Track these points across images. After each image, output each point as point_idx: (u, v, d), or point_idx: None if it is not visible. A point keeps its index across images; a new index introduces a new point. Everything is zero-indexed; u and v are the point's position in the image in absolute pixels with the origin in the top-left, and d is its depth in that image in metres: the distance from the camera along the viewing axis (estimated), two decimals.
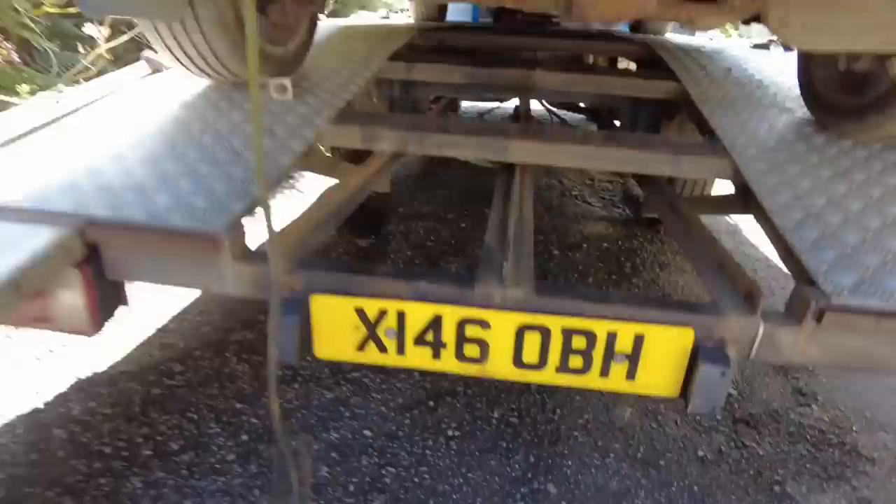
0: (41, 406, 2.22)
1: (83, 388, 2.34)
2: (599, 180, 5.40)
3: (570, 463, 2.12)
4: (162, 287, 2.80)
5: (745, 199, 2.08)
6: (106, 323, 1.51)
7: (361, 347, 1.45)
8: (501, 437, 2.21)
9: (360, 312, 1.40)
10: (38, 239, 1.26)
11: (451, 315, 1.38)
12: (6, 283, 1.12)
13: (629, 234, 4.16)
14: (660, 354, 1.37)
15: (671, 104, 2.75)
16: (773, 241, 1.82)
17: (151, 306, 2.96)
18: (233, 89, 2.11)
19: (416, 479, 1.99)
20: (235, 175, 1.60)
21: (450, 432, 2.21)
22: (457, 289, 1.39)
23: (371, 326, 1.41)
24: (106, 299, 1.50)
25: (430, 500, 1.92)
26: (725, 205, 2.38)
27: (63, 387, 2.33)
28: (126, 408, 2.22)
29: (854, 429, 2.44)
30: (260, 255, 1.45)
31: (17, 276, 1.15)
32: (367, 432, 2.17)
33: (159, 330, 2.77)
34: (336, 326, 1.43)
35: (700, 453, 2.22)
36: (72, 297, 1.43)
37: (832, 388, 2.70)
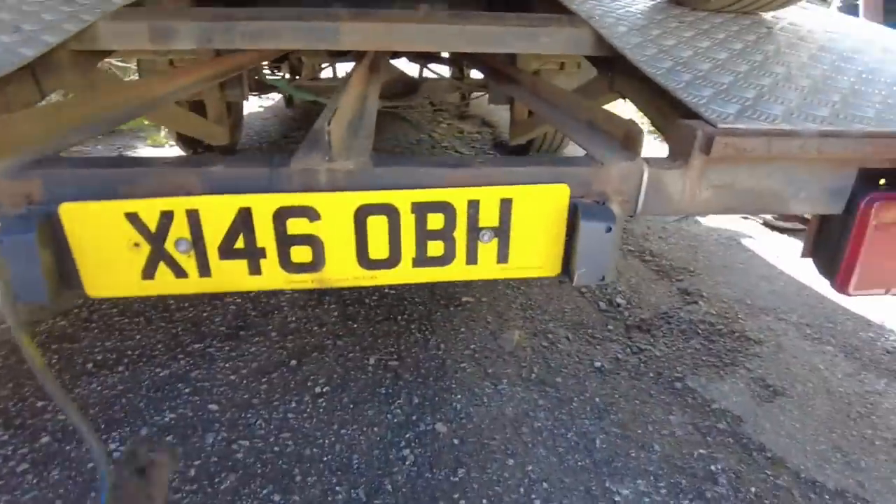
0: None
1: None
2: (468, 132, 5.23)
3: (458, 397, 1.85)
4: None
5: (608, 79, 1.90)
6: None
7: (149, 274, 1.05)
8: (379, 384, 1.90)
9: (134, 219, 1.00)
10: None
11: (262, 206, 1.03)
12: None
13: None
14: (532, 223, 1.11)
15: None
16: (641, 105, 1.65)
17: None
18: None
19: (275, 449, 1.62)
20: None
21: (317, 389, 1.86)
22: (265, 170, 1.04)
23: (155, 239, 1.02)
24: None
25: (296, 467, 1.56)
26: (591, 92, 2.20)
27: None
28: None
29: (739, 317, 2.39)
30: None
31: None
32: (212, 406, 1.77)
33: None
34: (106, 247, 1.02)
35: (597, 364, 2.05)
36: None
37: (714, 284, 2.65)
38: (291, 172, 1.04)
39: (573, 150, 4.57)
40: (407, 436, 1.69)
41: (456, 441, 1.68)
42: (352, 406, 1.80)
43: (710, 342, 2.21)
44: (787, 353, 2.15)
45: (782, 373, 2.04)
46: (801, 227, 2.80)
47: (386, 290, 2.48)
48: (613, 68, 1.85)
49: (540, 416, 1.79)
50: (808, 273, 2.73)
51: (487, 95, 3.67)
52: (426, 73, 3.99)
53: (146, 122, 4.99)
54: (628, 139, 1.17)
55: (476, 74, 4.15)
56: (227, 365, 1.96)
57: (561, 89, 1.69)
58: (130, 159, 1.01)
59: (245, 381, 1.89)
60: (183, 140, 3.77)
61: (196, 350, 2.04)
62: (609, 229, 1.08)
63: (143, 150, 4.60)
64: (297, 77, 3.88)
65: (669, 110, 1.43)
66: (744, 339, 2.23)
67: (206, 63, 1.99)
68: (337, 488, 1.51)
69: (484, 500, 1.49)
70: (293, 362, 1.99)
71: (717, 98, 1.22)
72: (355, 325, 2.22)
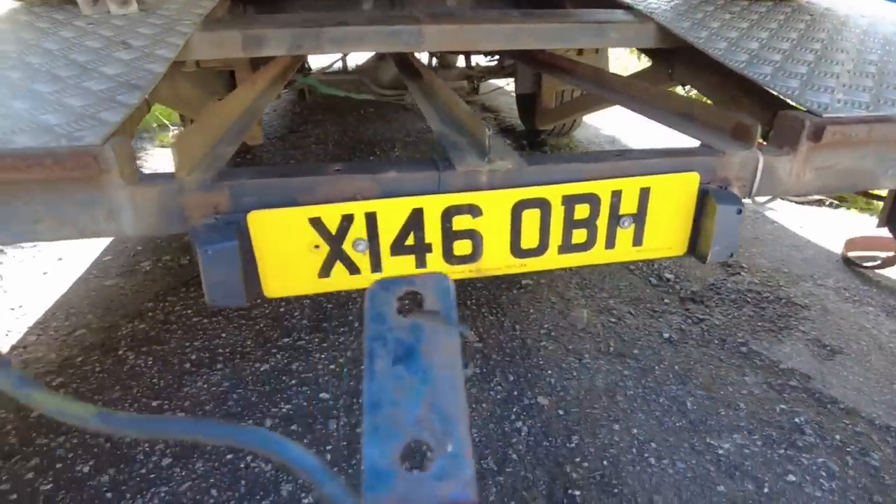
0: None
1: None
2: None
3: (549, 373, 1.97)
4: (5, 293, 2.20)
5: (669, 67, 2.03)
6: None
7: (325, 273, 1.15)
8: (473, 364, 2.01)
9: (317, 223, 1.09)
10: None
11: (433, 206, 1.13)
12: None
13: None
14: (666, 208, 1.24)
15: None
16: (706, 92, 1.78)
17: None
18: (50, 9, 1.64)
19: None
20: (93, 88, 1.18)
21: None
22: (434, 173, 1.14)
23: (334, 240, 1.11)
24: None
25: None
26: (648, 81, 2.33)
27: None
28: None
29: (781, 284, 2.56)
30: (158, 176, 1.08)
31: None
32: (323, 395, 1.86)
33: (14, 347, 2.19)
34: (287, 250, 1.11)
35: (666, 335, 2.19)
36: None
37: (750, 255, 2.82)
38: (456, 175, 1.14)
39: (582, 133, 4.71)
40: (514, 409, 1.81)
41: (560, 412, 1.80)
42: None
43: (760, 309, 2.37)
44: (834, 315, 2.33)
45: (834, 333, 2.21)
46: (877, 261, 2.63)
47: None
48: (673, 59, 1.99)
49: (629, 384, 1.93)
50: (832, 242, 2.92)
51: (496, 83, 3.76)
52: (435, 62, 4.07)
53: (154, 125, 4.96)
54: (740, 130, 1.30)
55: (479, 61, 4.24)
56: (322, 356, 2.05)
57: (640, 82, 1.81)
58: (304, 168, 1.10)
59: (345, 370, 1.97)
60: None
61: (286, 344, 2.12)
62: (739, 211, 1.21)
63: (153, 150, 4.58)
64: (309, 71, 3.91)
65: (743, 98, 1.58)
66: (791, 305, 2.40)
67: (269, 68, 2.05)
68: None
69: (604, 462, 1.62)
70: None
71: (805, 89, 1.35)
72: None
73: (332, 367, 1.99)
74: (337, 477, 0.33)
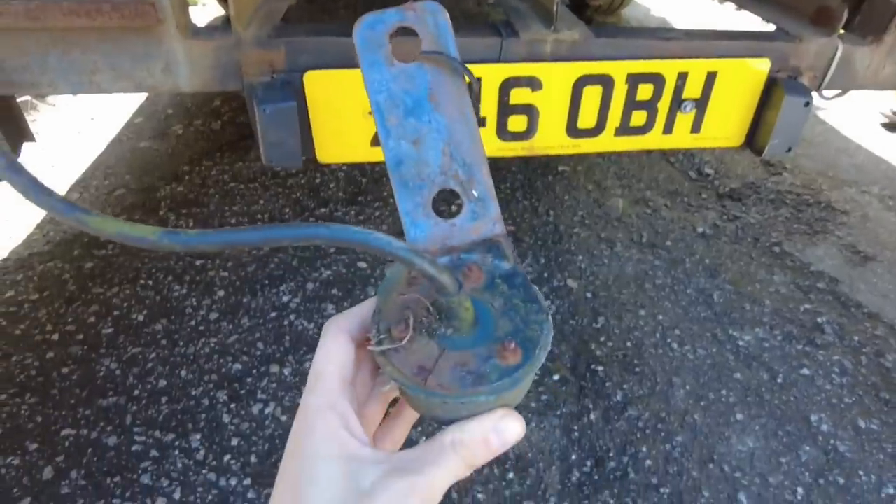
0: None
1: None
2: None
3: (580, 258, 2.01)
4: (44, 150, 2.21)
5: None
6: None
7: (377, 141, 1.13)
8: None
9: None
10: None
11: (492, 76, 1.09)
12: None
13: None
14: (731, 95, 1.19)
15: None
16: None
17: (38, 178, 2.40)
18: None
19: None
20: None
21: None
22: (496, 41, 1.09)
23: None
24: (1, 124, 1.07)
25: None
26: None
27: None
28: (59, 290, 1.80)
29: (823, 188, 2.51)
30: (214, 29, 1.05)
31: None
32: (361, 264, 1.92)
33: None
34: (342, 114, 1.09)
35: (700, 230, 2.20)
36: None
37: (795, 156, 2.75)
38: (520, 43, 1.09)
39: (631, 12, 4.43)
40: (544, 290, 1.87)
41: (588, 295, 1.86)
42: None
43: (798, 211, 2.35)
44: (874, 222, 2.31)
45: (871, 240, 2.20)
46: None
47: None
48: None
49: (658, 274, 1.97)
50: (884, 148, 2.82)
51: None
52: None
53: None
54: (822, 15, 1.21)
55: None
56: (359, 227, 2.09)
57: None
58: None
59: None
60: None
61: (323, 214, 2.16)
62: (807, 104, 1.16)
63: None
64: None
65: None
66: (830, 209, 2.37)
67: None
68: None
69: (627, 343, 1.70)
70: None
71: None
72: None
73: None
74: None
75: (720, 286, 1.93)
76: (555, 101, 1.14)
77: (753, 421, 1.50)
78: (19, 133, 1.22)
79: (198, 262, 1.92)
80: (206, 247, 0.31)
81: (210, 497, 1.27)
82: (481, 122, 1.15)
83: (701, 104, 1.19)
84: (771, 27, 1.26)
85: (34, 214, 2.17)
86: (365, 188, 2.32)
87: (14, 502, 1.24)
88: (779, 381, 1.61)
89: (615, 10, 4.02)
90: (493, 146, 1.19)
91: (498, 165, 2.53)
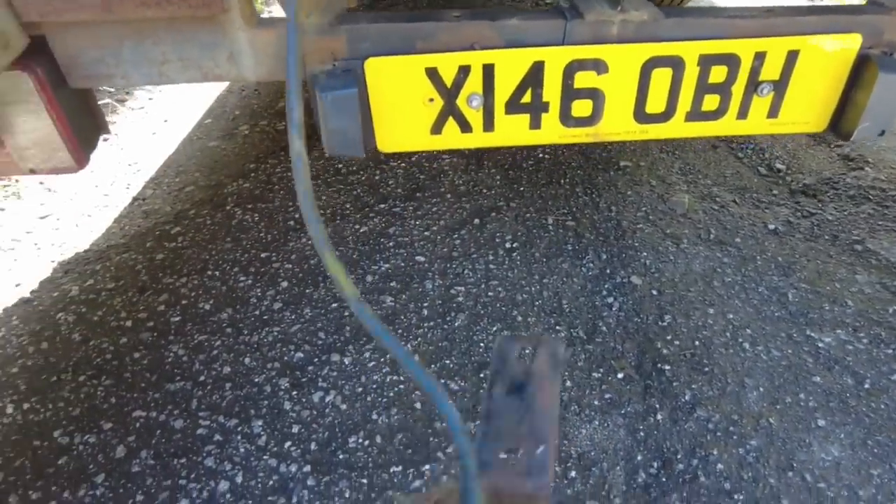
0: (28, 295, 1.86)
1: (70, 268, 1.98)
2: None
3: (644, 254, 1.94)
4: (121, 150, 2.31)
5: None
6: (91, 154, 1.14)
7: (437, 129, 1.12)
8: (564, 242, 2.00)
9: (433, 74, 1.05)
10: None
11: (555, 60, 1.05)
12: None
13: None
14: (814, 75, 1.11)
15: None
16: None
17: (113, 178, 2.53)
18: None
19: (490, 294, 1.78)
20: None
21: (507, 245, 1.99)
22: (560, 22, 1.05)
23: (449, 94, 1.07)
24: (79, 117, 1.11)
25: (514, 310, 1.72)
26: None
27: (46, 272, 1.97)
28: (132, 279, 1.89)
29: None
30: (278, 20, 1.06)
31: None
32: (419, 258, 1.92)
33: (135, 199, 2.37)
34: (402, 102, 1.08)
35: (771, 227, 2.08)
36: (31, 120, 1.05)
37: (877, 150, 2.57)
38: (584, 25, 1.05)
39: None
40: (606, 286, 1.81)
41: (654, 292, 1.79)
42: (545, 260, 1.92)
43: (883, 207, 2.19)
44: None
45: None
46: None
47: (541, 155, 2.52)
48: None
49: (727, 272, 1.87)
50: None
51: None
52: None
53: None
54: None
55: None
56: (417, 223, 2.10)
57: None
58: (423, 14, 1.04)
59: (439, 237, 2.02)
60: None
61: (383, 209, 2.17)
62: None
63: None
64: None
65: None
66: None
67: None
68: (557, 327, 1.66)
69: (696, 342, 1.62)
70: (476, 221, 2.10)
71: None
72: (521, 189, 2.30)
73: (426, 233, 2.04)
74: (470, 442, 0.44)
75: (795, 285, 1.82)
76: (622, 84, 1.10)
77: (838, 428, 1.40)
78: (97, 126, 1.27)
79: (263, 255, 1.96)
80: (371, 331, 0.46)
81: (271, 482, 1.29)
82: (544, 106, 1.12)
83: (780, 86, 1.12)
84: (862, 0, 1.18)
85: (113, 209, 2.29)
86: (423, 184, 2.32)
87: (90, 477, 1.30)
88: (866, 386, 1.50)
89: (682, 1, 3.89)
90: (556, 133, 1.16)
91: (557, 159, 2.49)
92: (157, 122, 3.03)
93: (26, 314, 1.78)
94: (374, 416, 1.41)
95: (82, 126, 1.13)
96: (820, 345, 1.62)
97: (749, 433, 1.39)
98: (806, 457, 1.34)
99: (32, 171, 1.12)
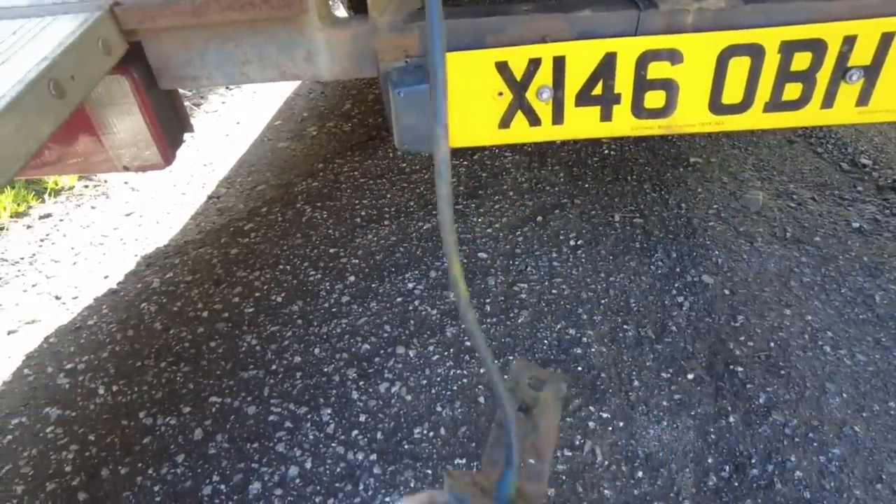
0: (116, 286, 1.99)
1: (152, 262, 2.09)
2: None
3: (716, 253, 1.88)
4: (197, 151, 2.42)
5: None
6: (177, 151, 1.21)
7: (506, 123, 1.12)
8: (631, 239, 1.96)
9: (503, 68, 1.05)
10: (60, 30, 0.91)
11: (628, 50, 1.03)
12: (39, 78, 0.79)
13: None
14: None
15: None
16: None
17: (190, 177, 2.66)
18: None
19: (553, 291, 1.76)
20: None
21: (571, 242, 1.96)
22: (633, 13, 1.03)
23: (519, 87, 1.07)
24: (167, 117, 1.18)
25: (578, 308, 1.70)
26: None
27: (131, 265, 2.10)
28: (208, 272, 1.98)
29: None
30: (352, 19, 1.09)
31: (50, 70, 0.81)
32: (481, 255, 1.93)
33: (210, 197, 2.48)
34: (472, 96, 1.09)
35: (855, 225, 1.97)
36: (126, 119, 1.12)
37: None
38: (658, 14, 1.03)
39: None
40: (676, 285, 1.76)
41: (726, 291, 1.73)
42: (611, 258, 1.89)
43: None
44: None
45: None
46: None
47: (606, 151, 2.47)
48: None
49: (806, 272, 1.78)
50: None
51: None
52: None
53: None
54: None
55: None
56: (479, 220, 2.10)
57: None
58: (494, 8, 1.05)
59: (502, 234, 2.02)
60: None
61: None
62: None
63: None
64: None
65: None
66: None
67: None
68: (624, 326, 1.63)
69: (771, 343, 1.55)
70: (539, 218, 2.09)
71: None
72: (586, 185, 2.27)
73: (488, 230, 2.05)
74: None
75: (883, 286, 1.71)
76: (696, 74, 1.07)
77: None
78: (182, 125, 1.34)
79: (331, 250, 2.02)
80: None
81: (338, 469, 1.33)
82: (616, 98, 1.10)
83: (871, 72, 1.05)
84: None
85: (190, 207, 2.41)
86: (485, 182, 2.32)
87: (171, 457, 1.37)
88: None
89: None
90: (628, 125, 1.14)
91: (623, 156, 2.44)
92: (230, 124, 3.17)
93: (114, 304, 1.90)
94: (439, 408, 1.43)
95: (170, 125, 1.20)
96: None
97: (831, 441, 1.32)
98: None
99: (126, 169, 1.19)
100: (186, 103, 3.23)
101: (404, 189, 2.33)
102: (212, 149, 2.90)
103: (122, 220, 2.42)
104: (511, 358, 1.56)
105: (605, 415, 1.40)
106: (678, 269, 1.82)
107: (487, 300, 1.74)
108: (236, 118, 3.23)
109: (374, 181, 2.41)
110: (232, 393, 1.52)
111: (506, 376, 0.56)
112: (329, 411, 1.45)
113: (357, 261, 1.94)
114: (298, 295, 1.82)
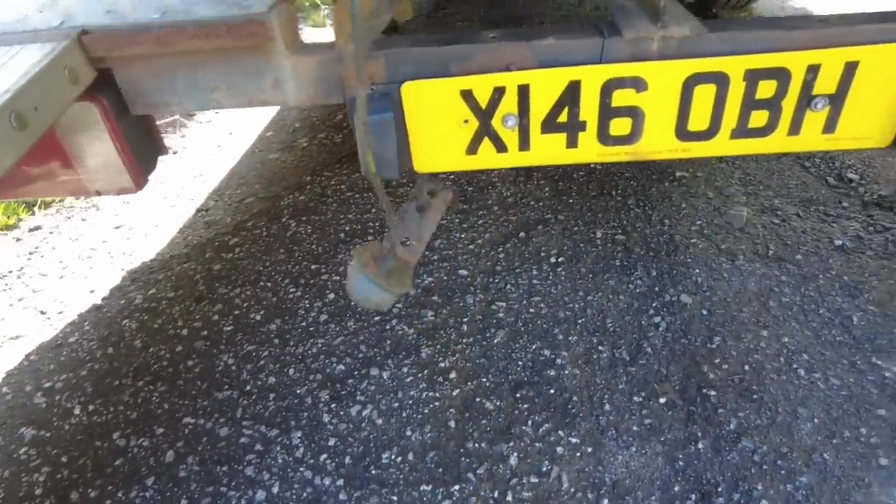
0: (100, 302, 2.00)
1: (137, 277, 2.11)
2: None
3: (696, 271, 1.87)
4: (189, 162, 2.44)
5: None
6: (150, 176, 1.22)
7: (473, 149, 1.13)
8: (612, 257, 1.95)
9: (468, 96, 1.05)
10: (27, 60, 0.92)
11: (592, 78, 1.03)
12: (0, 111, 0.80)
13: None
14: (876, 87, 1.04)
15: None
16: None
17: (181, 189, 2.67)
18: None
19: (531, 310, 1.76)
20: None
21: (552, 259, 1.96)
22: (597, 41, 1.04)
23: (484, 115, 1.08)
24: (139, 142, 1.19)
25: (555, 328, 1.70)
26: None
27: (116, 280, 2.11)
28: (190, 289, 1.99)
29: None
30: (321, 45, 1.10)
31: (12, 102, 0.82)
32: (462, 272, 1.93)
33: (199, 210, 2.50)
34: (438, 124, 1.10)
35: (837, 242, 1.96)
36: (97, 145, 1.13)
37: None
38: (623, 42, 1.03)
39: (765, 4, 4.07)
40: (654, 305, 1.76)
41: (704, 312, 1.72)
42: (591, 276, 1.88)
43: None
44: None
45: None
46: None
47: (592, 165, 2.47)
48: None
49: (785, 291, 1.77)
50: None
51: None
52: None
53: (307, 3, 5.06)
54: None
55: None
56: (462, 235, 2.10)
57: None
58: (460, 36, 1.05)
59: (483, 251, 2.02)
60: None
61: None
62: None
63: (306, 30, 4.72)
64: None
65: None
66: None
67: None
68: (599, 347, 1.63)
69: (746, 366, 1.55)
70: (522, 234, 2.09)
71: None
72: (571, 201, 2.26)
73: (471, 246, 2.05)
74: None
75: (862, 307, 1.70)
76: (662, 102, 1.07)
77: None
78: (156, 148, 1.35)
79: (313, 266, 2.03)
80: None
81: (305, 494, 1.33)
82: (581, 125, 1.11)
83: (836, 100, 1.05)
84: None
85: (178, 220, 2.42)
86: (470, 197, 2.32)
87: (141, 479, 1.38)
88: None
89: (746, 4, 3.72)
90: (594, 151, 1.14)
91: (609, 170, 2.43)
92: (222, 135, 3.18)
93: (97, 320, 1.91)
94: (409, 433, 1.43)
95: (142, 151, 1.21)
96: (887, 374, 1.50)
97: (800, 468, 1.31)
98: (864, 499, 1.25)
99: (98, 193, 1.20)
100: (178, 115, 3.25)
101: (391, 203, 2.33)
102: (204, 160, 2.92)
103: (112, 233, 2.44)
104: (484, 380, 1.56)
105: (573, 440, 1.40)
106: (657, 288, 1.81)
107: (465, 319, 1.75)
108: (229, 128, 3.25)
109: (361, 195, 2.42)
110: (206, 414, 1.53)
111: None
112: (299, 434, 1.45)
113: (338, 277, 1.95)
114: (277, 313, 1.83)
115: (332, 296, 1.87)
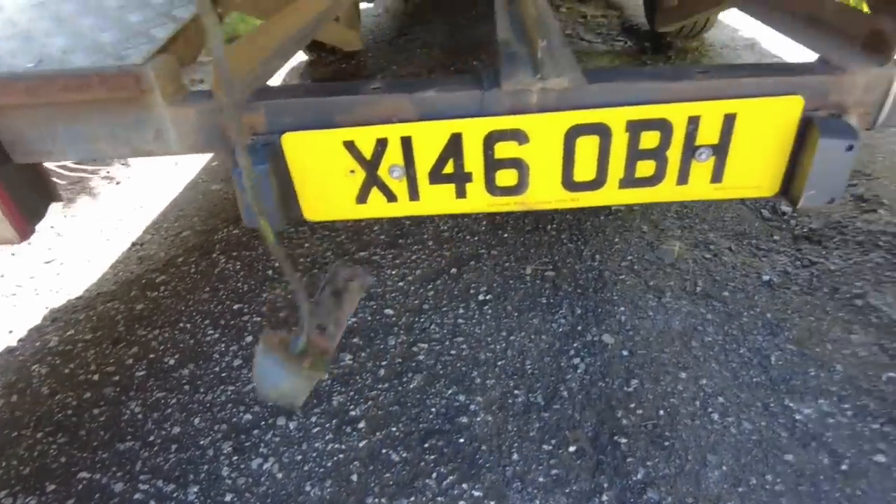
0: (15, 344, 1.94)
1: (58, 317, 2.05)
2: (592, 16, 4.83)
3: (621, 309, 1.85)
4: (130, 193, 2.41)
5: None
6: (37, 224, 1.18)
7: (363, 199, 1.11)
8: (539, 294, 1.93)
9: (351, 147, 1.04)
10: None
11: (473, 131, 1.03)
12: None
13: (639, 63, 3.70)
14: (757, 139, 1.04)
15: None
16: None
17: (118, 221, 2.62)
18: None
19: (452, 352, 1.73)
20: (155, 1, 1.19)
21: (481, 297, 1.94)
22: (477, 93, 1.03)
23: (370, 165, 1.06)
24: (23, 190, 1.15)
25: (474, 370, 1.67)
26: None
27: (37, 320, 2.04)
28: (109, 330, 1.93)
29: None
30: (200, 94, 1.08)
31: None
32: (388, 311, 1.90)
33: (134, 244, 2.44)
34: (324, 174, 1.08)
35: (765, 278, 1.96)
36: None
37: (894, 190, 2.40)
38: (502, 94, 1.02)
39: (717, 33, 4.14)
40: (575, 345, 1.73)
41: (625, 352, 1.70)
42: (516, 314, 1.86)
43: (893, 255, 2.03)
44: None
45: None
46: None
47: None
48: None
49: (709, 330, 1.76)
50: None
51: None
52: None
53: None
54: (876, 39, 1.04)
55: None
56: (393, 272, 2.07)
57: None
58: (342, 86, 1.03)
59: (413, 288, 1.99)
60: (308, 46, 3.84)
61: (362, 258, 2.16)
62: (850, 147, 0.99)
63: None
64: None
65: None
66: None
67: None
68: (515, 391, 1.60)
69: (660, 412, 1.52)
70: (453, 270, 2.06)
71: None
72: (506, 235, 2.25)
73: (400, 283, 2.02)
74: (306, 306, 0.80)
75: (780, 346, 1.69)
76: (545, 154, 1.06)
77: None
78: (46, 195, 1.31)
79: (236, 306, 1.98)
80: None
81: None
82: (467, 176, 1.09)
83: (720, 150, 1.05)
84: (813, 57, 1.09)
85: (112, 254, 2.36)
86: (406, 231, 2.30)
87: None
88: (843, 468, 1.37)
89: (697, 34, 3.78)
90: (483, 202, 1.13)
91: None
92: (167, 165, 3.13)
93: (7, 364, 1.84)
94: (308, 488, 1.39)
95: (28, 199, 1.17)
96: (798, 417, 1.49)
97: None
98: None
99: None
100: None
101: (324, 238, 2.30)
102: (145, 190, 2.87)
103: (41, 268, 2.37)
104: (394, 430, 1.52)
105: (476, 493, 1.36)
106: (580, 328, 1.79)
107: (383, 363, 1.71)
108: (175, 159, 3.20)
109: (297, 229, 2.38)
110: (103, 468, 1.47)
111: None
112: (196, 489, 1.40)
113: (258, 318, 1.90)
114: (192, 357, 1.78)
115: (249, 338, 1.83)
